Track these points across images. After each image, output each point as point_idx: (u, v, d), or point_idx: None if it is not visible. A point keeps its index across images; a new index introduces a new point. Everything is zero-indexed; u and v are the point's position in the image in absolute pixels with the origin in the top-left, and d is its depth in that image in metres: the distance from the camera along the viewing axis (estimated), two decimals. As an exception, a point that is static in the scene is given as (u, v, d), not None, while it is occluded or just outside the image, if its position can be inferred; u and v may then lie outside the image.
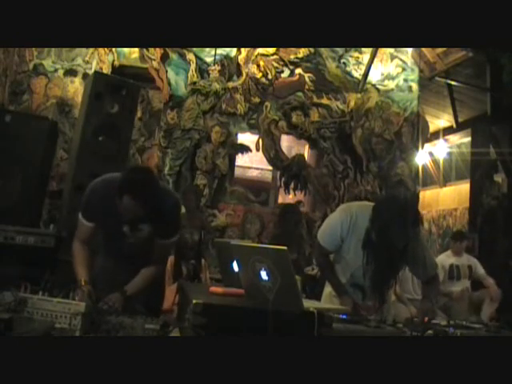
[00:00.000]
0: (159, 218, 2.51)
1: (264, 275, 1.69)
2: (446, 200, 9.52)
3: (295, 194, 6.45)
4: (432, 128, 7.84)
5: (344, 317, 2.17)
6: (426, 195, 9.75)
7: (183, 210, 5.89)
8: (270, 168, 6.54)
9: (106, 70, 5.99)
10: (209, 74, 6.19)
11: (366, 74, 6.40)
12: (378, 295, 2.65)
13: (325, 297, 2.83)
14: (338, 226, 2.61)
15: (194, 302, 1.63)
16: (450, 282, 5.38)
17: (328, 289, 2.81)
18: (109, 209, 2.41)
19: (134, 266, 2.56)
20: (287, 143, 6.79)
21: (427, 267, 2.69)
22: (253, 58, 6.30)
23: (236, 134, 6.27)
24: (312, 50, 6.43)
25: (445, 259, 5.47)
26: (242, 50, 6.28)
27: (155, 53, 6.06)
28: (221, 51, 6.22)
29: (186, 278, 3.68)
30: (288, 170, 6.29)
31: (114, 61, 6.10)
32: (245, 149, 6.29)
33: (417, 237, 2.56)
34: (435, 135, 8.68)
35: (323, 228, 2.76)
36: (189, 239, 3.77)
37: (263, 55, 6.33)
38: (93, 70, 5.67)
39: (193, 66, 6.17)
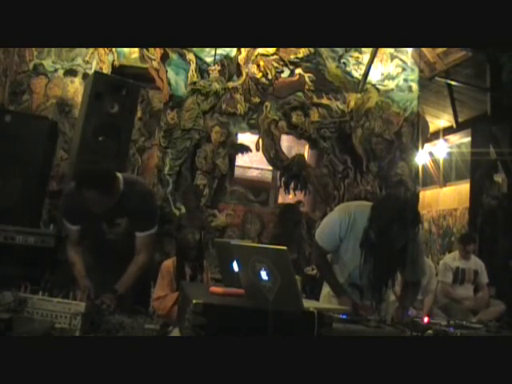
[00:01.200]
0: (132, 210, 2.53)
1: (264, 275, 1.69)
2: (446, 200, 9.52)
3: (295, 194, 6.44)
4: (432, 128, 7.83)
5: (344, 317, 2.17)
6: (426, 195, 9.75)
7: (183, 209, 5.93)
8: (270, 168, 6.54)
9: (106, 70, 5.99)
10: (209, 74, 6.19)
11: (366, 74, 6.40)
12: (376, 295, 2.65)
13: (323, 297, 2.82)
14: (337, 225, 2.61)
15: (194, 302, 1.62)
16: (453, 285, 5.34)
17: (326, 289, 2.80)
18: (86, 209, 2.45)
19: (120, 263, 2.58)
20: (287, 143, 6.79)
21: (418, 270, 2.68)
22: (253, 58, 6.30)
23: (236, 134, 6.27)
24: (312, 50, 6.43)
25: (451, 261, 5.43)
26: (242, 50, 6.27)
27: (155, 53, 6.06)
28: (221, 51, 6.22)
29: (190, 278, 3.67)
30: (288, 170, 6.29)
31: (113, 61, 6.10)
32: (245, 149, 6.29)
33: (415, 237, 2.56)
34: (435, 135, 8.68)
35: (321, 228, 2.75)
36: (191, 239, 3.76)
37: (263, 55, 6.33)
38: (93, 70, 5.67)
39: (193, 66, 6.17)
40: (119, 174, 2.56)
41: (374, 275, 2.56)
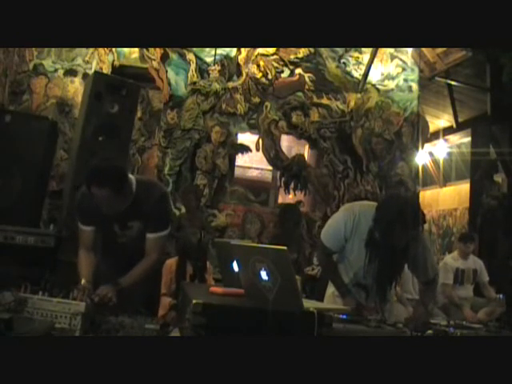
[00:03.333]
0: (146, 212, 2.51)
1: (264, 275, 1.69)
2: (446, 200, 9.51)
3: (295, 194, 6.44)
4: (432, 128, 7.83)
5: (344, 317, 2.17)
6: (426, 195, 9.75)
7: (183, 209, 5.93)
8: (270, 168, 6.54)
9: (106, 70, 5.99)
10: (209, 74, 6.19)
11: (366, 74, 6.40)
12: (381, 294, 2.65)
13: (327, 297, 2.81)
14: (342, 225, 2.61)
15: (194, 302, 1.62)
16: (453, 286, 5.32)
17: (331, 289, 2.80)
18: (99, 210, 2.43)
19: (130, 267, 2.56)
20: (287, 143, 6.79)
21: (428, 269, 2.68)
22: (253, 58, 6.30)
23: (236, 134, 6.27)
24: (312, 50, 6.43)
25: (452, 262, 5.41)
26: (242, 50, 6.27)
27: (155, 53, 6.06)
28: (221, 51, 6.22)
29: (192, 278, 3.66)
30: (288, 169, 6.29)
31: (113, 61, 6.10)
32: (245, 149, 6.29)
33: (418, 236, 2.56)
34: (435, 135, 8.68)
35: (326, 228, 2.75)
36: (194, 240, 3.76)
37: (263, 55, 6.33)
38: (93, 70, 5.67)
39: (193, 66, 6.17)
40: (131, 176, 2.53)
41: (379, 275, 2.56)
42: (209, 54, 6.21)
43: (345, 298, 2.62)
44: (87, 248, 2.60)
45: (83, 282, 2.36)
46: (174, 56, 6.16)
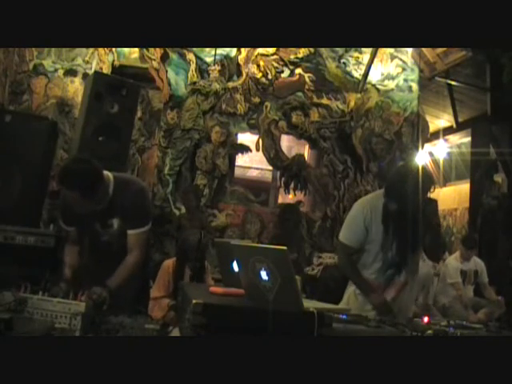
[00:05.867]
0: (125, 209, 2.51)
1: (264, 275, 1.69)
2: (446, 200, 9.51)
3: (295, 194, 6.45)
4: (432, 128, 7.83)
5: (344, 317, 2.16)
6: (426, 195, 9.73)
7: (183, 209, 5.93)
8: (270, 168, 6.54)
9: (106, 70, 5.99)
10: (209, 74, 6.20)
11: (366, 74, 6.40)
12: (401, 259, 2.63)
13: (348, 296, 2.77)
14: (360, 216, 2.64)
15: (194, 302, 1.62)
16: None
17: (351, 288, 2.77)
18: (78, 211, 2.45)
19: (116, 264, 2.56)
20: (287, 143, 6.80)
21: (439, 234, 2.71)
22: (253, 58, 6.30)
23: (236, 134, 6.28)
24: (312, 50, 6.43)
25: (455, 263, 5.40)
26: (242, 50, 6.28)
27: (155, 53, 6.06)
28: (221, 51, 6.22)
29: (191, 279, 3.65)
30: (288, 170, 6.30)
31: (114, 61, 6.11)
32: (245, 149, 6.29)
33: (430, 201, 2.64)
34: (435, 135, 8.67)
35: (345, 228, 2.75)
36: (193, 241, 3.75)
37: (263, 55, 6.33)
38: (93, 70, 5.67)
39: (193, 66, 6.18)
40: (110, 174, 2.52)
41: (398, 240, 2.58)
42: (209, 54, 6.21)
43: (370, 296, 2.62)
44: (71, 246, 2.66)
45: (66, 282, 2.37)
46: (174, 56, 6.16)
